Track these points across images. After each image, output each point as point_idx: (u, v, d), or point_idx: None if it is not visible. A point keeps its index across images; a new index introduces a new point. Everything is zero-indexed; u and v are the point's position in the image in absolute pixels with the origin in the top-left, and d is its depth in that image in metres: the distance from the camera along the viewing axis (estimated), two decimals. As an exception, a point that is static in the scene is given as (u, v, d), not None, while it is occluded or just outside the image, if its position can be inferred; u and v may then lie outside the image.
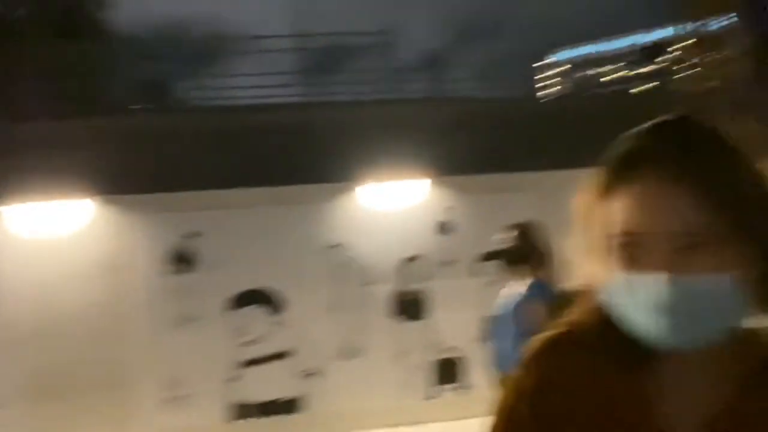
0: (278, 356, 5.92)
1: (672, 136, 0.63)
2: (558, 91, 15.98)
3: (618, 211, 0.62)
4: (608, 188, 0.64)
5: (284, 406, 5.81)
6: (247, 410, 5.78)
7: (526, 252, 3.18)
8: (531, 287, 3.10)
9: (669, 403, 0.66)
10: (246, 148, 6.29)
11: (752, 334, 0.67)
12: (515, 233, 3.30)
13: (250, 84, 10.45)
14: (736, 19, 19.72)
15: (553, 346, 0.73)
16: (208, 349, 5.84)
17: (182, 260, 6.04)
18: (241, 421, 5.75)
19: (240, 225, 6.10)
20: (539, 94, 13.50)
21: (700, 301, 0.59)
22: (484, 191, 6.17)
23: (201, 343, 5.83)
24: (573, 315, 0.73)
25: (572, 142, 6.77)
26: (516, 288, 3.18)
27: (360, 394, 5.26)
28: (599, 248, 0.65)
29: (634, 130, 0.65)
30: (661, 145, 0.62)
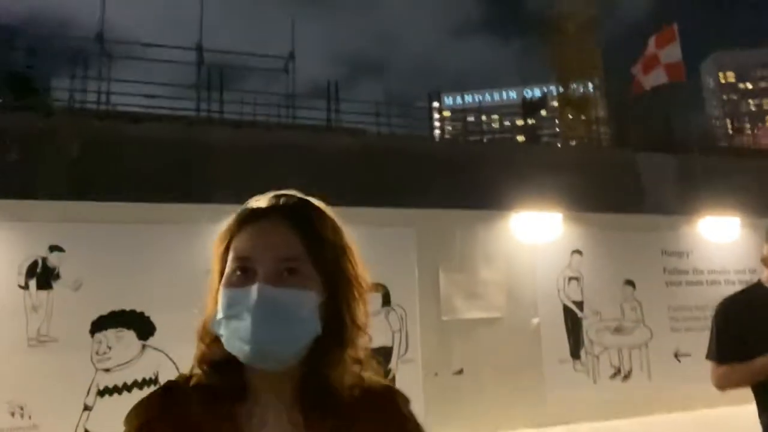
0: (141, 384, 5.51)
1: (289, 199, 0.86)
2: (447, 133, 16.85)
3: (239, 244, 0.81)
4: (235, 230, 0.83)
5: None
6: (101, 443, 5.28)
7: None
8: None
9: (261, 423, 0.81)
10: (127, 158, 5.93)
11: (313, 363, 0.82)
12: None
13: (136, 92, 9.90)
14: (597, 84, 22.23)
15: (159, 395, 0.85)
16: (63, 374, 5.30)
17: (41, 275, 5.49)
18: (94, 456, 5.22)
19: (109, 241, 5.67)
20: (430, 134, 14.14)
21: (280, 308, 0.76)
22: (366, 224, 6.33)
23: (55, 366, 5.27)
24: (197, 354, 0.85)
25: (456, 183, 7.19)
26: None
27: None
28: (225, 278, 0.82)
29: (265, 194, 0.87)
30: (281, 203, 0.84)
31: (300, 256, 0.79)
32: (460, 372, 6.26)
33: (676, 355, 7.06)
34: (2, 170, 5.57)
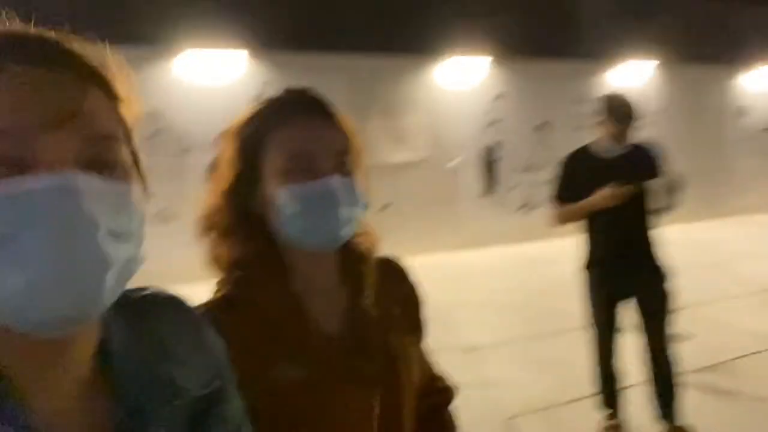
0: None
1: (309, 94, 0.87)
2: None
3: (292, 138, 0.81)
4: (271, 126, 0.82)
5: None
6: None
7: None
8: None
9: (315, 302, 0.84)
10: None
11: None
12: None
13: None
14: None
15: (217, 309, 0.81)
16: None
17: None
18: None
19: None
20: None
21: (352, 196, 0.80)
22: (299, 70, 6.45)
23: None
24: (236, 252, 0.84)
25: (389, 25, 7.20)
26: None
27: (175, 256, 5.59)
28: (275, 173, 0.80)
29: (282, 92, 0.87)
30: (308, 99, 0.86)
31: (345, 148, 0.83)
32: (385, 207, 6.97)
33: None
34: None
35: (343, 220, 0.80)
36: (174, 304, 0.61)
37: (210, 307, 0.80)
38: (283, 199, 0.79)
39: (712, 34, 9.10)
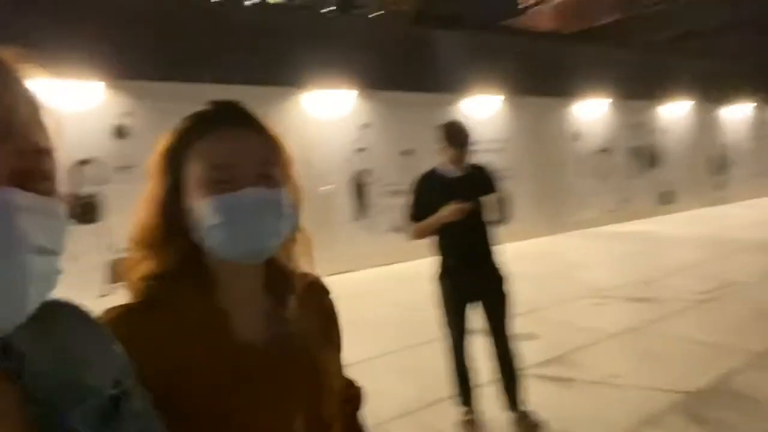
0: None
1: (234, 106, 0.85)
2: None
3: (213, 150, 0.79)
4: (194, 138, 0.81)
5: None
6: None
7: None
8: None
9: (237, 313, 0.82)
10: None
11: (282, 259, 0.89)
12: None
13: None
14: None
15: (126, 315, 0.78)
16: None
17: None
18: None
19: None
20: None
21: (274, 207, 0.79)
22: (163, 99, 6.33)
23: None
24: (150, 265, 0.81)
25: (258, 57, 7.30)
26: None
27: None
28: (196, 184, 0.79)
29: (207, 104, 0.85)
30: (232, 110, 0.84)
31: (272, 159, 0.82)
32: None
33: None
34: None
35: (266, 232, 0.78)
36: (71, 309, 0.61)
37: (128, 307, 0.79)
38: (204, 210, 0.78)
39: (549, 70, 10.37)
